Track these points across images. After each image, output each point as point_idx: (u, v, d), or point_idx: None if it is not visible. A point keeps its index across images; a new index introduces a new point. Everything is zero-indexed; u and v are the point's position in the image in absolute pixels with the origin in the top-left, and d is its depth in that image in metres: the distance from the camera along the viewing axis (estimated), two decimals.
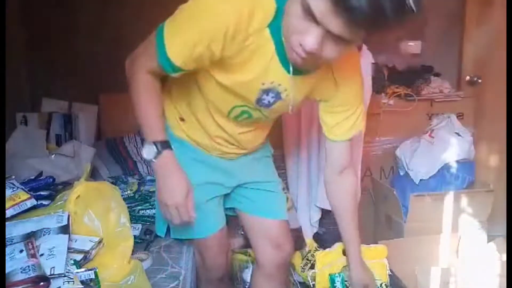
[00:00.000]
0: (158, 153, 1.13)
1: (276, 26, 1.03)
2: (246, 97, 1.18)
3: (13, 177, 1.44)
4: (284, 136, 2.36)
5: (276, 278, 1.57)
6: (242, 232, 2.09)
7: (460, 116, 2.31)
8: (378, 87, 2.33)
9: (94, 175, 2.07)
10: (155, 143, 1.13)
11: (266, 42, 1.06)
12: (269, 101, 1.19)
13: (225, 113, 1.26)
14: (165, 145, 1.14)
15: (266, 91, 1.16)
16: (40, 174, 1.64)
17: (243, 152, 1.42)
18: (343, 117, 1.31)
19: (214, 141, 1.35)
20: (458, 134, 2.16)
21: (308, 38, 0.92)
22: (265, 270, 1.56)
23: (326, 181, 1.47)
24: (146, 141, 1.15)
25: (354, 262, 1.49)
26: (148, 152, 1.13)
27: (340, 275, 1.67)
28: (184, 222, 1.17)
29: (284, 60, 1.08)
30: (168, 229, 1.46)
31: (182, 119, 1.35)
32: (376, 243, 1.94)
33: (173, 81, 1.31)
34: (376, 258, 1.76)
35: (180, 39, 1.05)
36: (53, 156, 1.98)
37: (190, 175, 1.33)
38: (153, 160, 1.13)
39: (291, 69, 1.09)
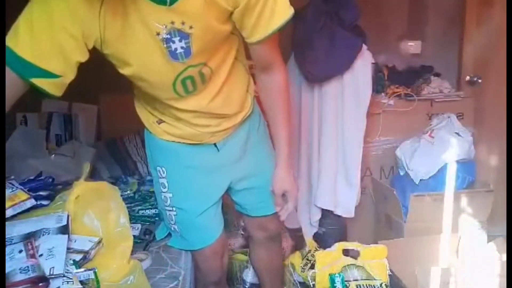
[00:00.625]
0: None
1: None
2: (159, 64, 1.09)
3: (13, 177, 1.44)
4: None
5: (268, 246, 1.66)
6: (242, 232, 2.10)
7: (460, 116, 2.30)
8: (378, 87, 2.33)
9: (94, 175, 2.06)
10: None
11: None
12: (183, 47, 1.08)
13: (174, 95, 1.19)
14: None
15: (169, 39, 1.06)
16: (40, 174, 1.63)
17: (228, 123, 1.33)
18: (258, 12, 1.10)
19: (195, 124, 1.28)
20: (458, 134, 2.16)
21: None
22: (257, 241, 1.66)
23: (256, 81, 1.35)
24: None
25: (279, 165, 1.37)
26: None
27: (340, 275, 1.67)
28: None
29: None
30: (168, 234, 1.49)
31: (159, 122, 1.32)
32: (376, 243, 1.94)
33: (137, 92, 1.32)
34: (376, 258, 1.77)
35: (25, 33, 0.95)
36: (53, 156, 1.98)
37: (188, 185, 1.35)
38: None
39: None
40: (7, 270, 0.95)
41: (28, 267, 0.96)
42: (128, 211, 1.30)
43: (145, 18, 1.02)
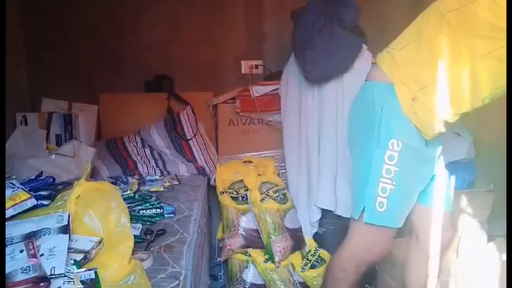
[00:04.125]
0: None
1: None
2: None
3: (13, 177, 1.44)
4: (284, 136, 2.36)
5: None
6: (243, 232, 2.09)
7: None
8: None
9: (94, 175, 2.07)
10: None
11: None
12: None
13: None
14: None
15: None
16: (40, 174, 1.63)
17: None
18: None
19: None
20: (458, 134, 2.16)
21: None
22: None
23: None
24: None
25: None
26: None
27: None
28: None
29: None
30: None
31: (413, 99, 1.40)
32: None
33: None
34: None
35: None
36: (53, 156, 1.99)
37: (414, 166, 1.47)
38: None
39: None
40: (8, 270, 0.95)
41: (29, 267, 0.96)
42: (129, 211, 1.30)
43: None
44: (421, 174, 1.48)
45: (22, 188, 1.28)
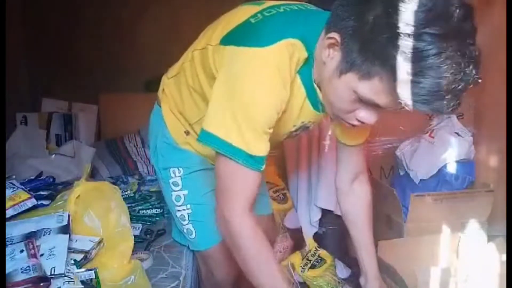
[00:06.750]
0: None
1: (307, 72, 1.07)
2: (273, 138, 1.17)
3: (14, 177, 1.44)
4: None
5: None
6: None
7: (460, 116, 2.30)
8: None
9: (94, 175, 2.07)
10: None
11: (298, 88, 1.09)
12: (296, 133, 1.25)
13: None
14: None
15: (296, 129, 1.22)
16: (40, 174, 1.64)
17: None
18: None
19: None
20: (458, 134, 2.16)
21: (367, 117, 1.00)
22: None
23: (340, 190, 1.44)
24: None
25: (374, 277, 1.43)
26: None
27: None
28: None
29: (315, 101, 1.13)
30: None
31: (187, 133, 1.33)
32: (376, 243, 1.94)
33: (186, 101, 1.30)
34: None
35: (251, 134, 1.03)
36: (53, 156, 1.99)
37: (204, 182, 1.35)
38: None
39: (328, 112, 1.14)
40: (8, 270, 0.95)
41: (29, 267, 0.96)
42: (129, 211, 1.30)
43: (299, 113, 1.15)
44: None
45: (22, 188, 1.28)
